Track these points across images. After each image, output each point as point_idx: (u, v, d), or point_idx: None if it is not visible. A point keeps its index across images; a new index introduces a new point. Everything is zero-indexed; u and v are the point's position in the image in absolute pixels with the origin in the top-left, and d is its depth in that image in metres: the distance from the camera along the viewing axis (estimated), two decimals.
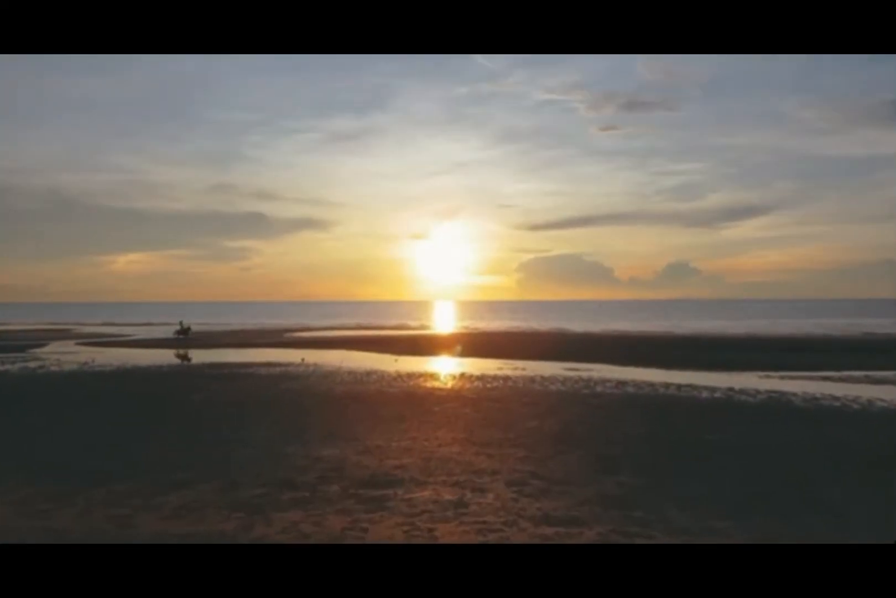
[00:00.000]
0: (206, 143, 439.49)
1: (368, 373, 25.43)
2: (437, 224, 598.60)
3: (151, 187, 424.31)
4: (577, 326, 70.49)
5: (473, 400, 17.98)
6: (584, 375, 24.66)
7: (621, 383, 21.68)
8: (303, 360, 31.56)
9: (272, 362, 30.08)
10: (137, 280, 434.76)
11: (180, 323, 50.13)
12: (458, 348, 38.04)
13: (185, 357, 33.99)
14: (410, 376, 24.51)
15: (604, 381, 22.56)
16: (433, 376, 24.47)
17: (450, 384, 21.94)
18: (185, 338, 45.86)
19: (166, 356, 34.14)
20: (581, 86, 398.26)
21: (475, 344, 40.69)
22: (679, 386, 20.96)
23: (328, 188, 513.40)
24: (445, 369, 27.71)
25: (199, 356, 33.54)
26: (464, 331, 60.56)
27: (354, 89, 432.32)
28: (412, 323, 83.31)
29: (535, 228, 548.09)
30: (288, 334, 55.52)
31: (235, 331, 60.38)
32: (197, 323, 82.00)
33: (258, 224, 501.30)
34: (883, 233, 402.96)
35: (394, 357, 33.27)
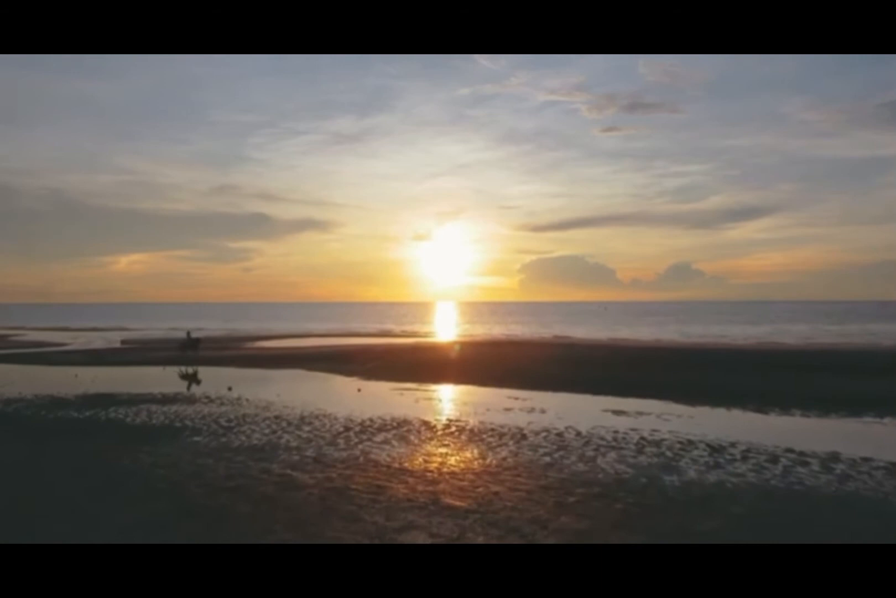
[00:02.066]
0: (209, 144, 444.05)
1: (300, 422, 16.18)
2: (440, 225, 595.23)
3: (154, 188, 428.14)
4: (590, 332, 61.23)
5: (461, 512, 8.83)
6: (644, 426, 15.47)
7: (721, 453, 12.52)
8: (229, 389, 22.52)
9: (175, 396, 20.87)
10: (139, 281, 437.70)
11: (187, 333, 41.03)
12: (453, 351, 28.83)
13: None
14: (364, 428, 15.27)
15: (686, 446, 13.38)
16: (398, 428, 15.25)
17: (421, 457, 12.68)
18: (193, 354, 34.88)
19: (64, 381, 24.88)
20: (583, 87, 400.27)
21: (472, 361, 31.51)
22: (829, 460, 11.83)
23: (331, 189, 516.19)
24: (423, 409, 18.49)
25: (87, 379, 24.33)
26: (460, 340, 51.30)
27: (357, 90, 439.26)
28: (404, 328, 74.12)
29: (538, 229, 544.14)
30: (249, 344, 46.35)
31: (173, 340, 50.98)
32: (156, 328, 72.64)
33: (260, 225, 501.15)
34: (885, 234, 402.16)
35: (358, 384, 24.11)
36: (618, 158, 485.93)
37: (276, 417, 16.86)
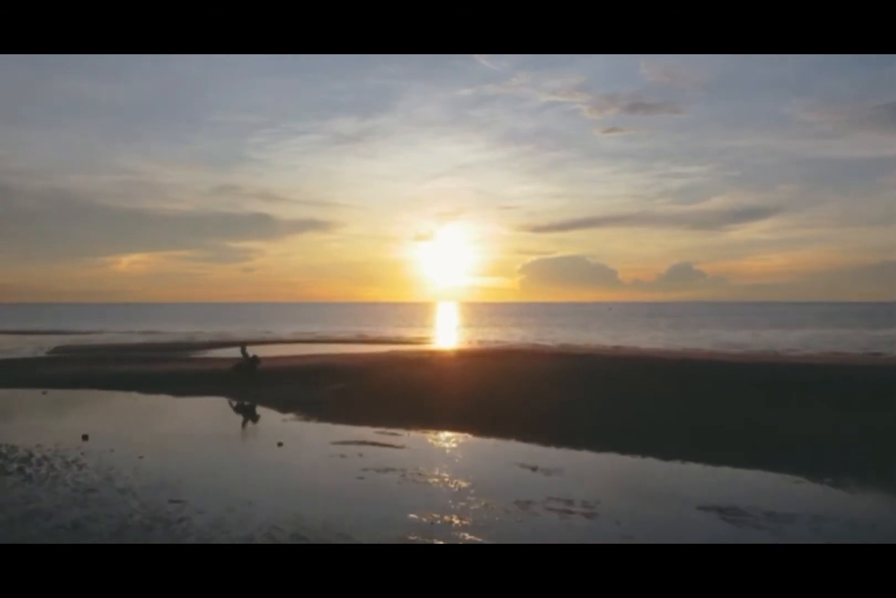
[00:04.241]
0: (210, 144, 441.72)
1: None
2: (441, 225, 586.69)
3: (156, 189, 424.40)
4: (601, 337, 52.95)
5: None
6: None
7: None
8: (84, 438, 14.58)
9: None
10: (141, 281, 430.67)
11: (242, 349, 26.68)
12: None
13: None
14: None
15: None
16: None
17: None
18: (249, 376, 24.29)
19: None
20: (584, 88, 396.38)
21: (464, 383, 23.15)
22: None
23: (332, 190, 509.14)
24: (352, 515, 10.26)
25: None
26: (454, 349, 43.06)
27: (358, 91, 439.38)
28: (395, 333, 65.86)
29: (539, 229, 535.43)
30: (195, 354, 38.09)
31: (116, 348, 42.57)
32: (118, 331, 64.45)
33: (262, 225, 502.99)
34: (886, 235, 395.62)
35: (290, 428, 15.90)
36: (619, 159, 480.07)
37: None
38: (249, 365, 25.00)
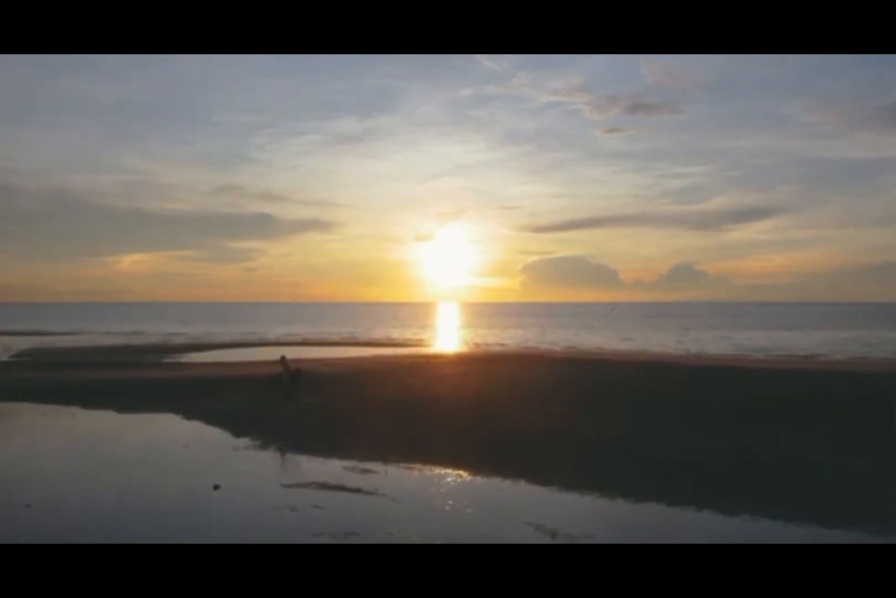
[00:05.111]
0: (211, 144, 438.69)
1: None
2: (441, 226, 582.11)
3: (157, 188, 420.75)
4: (609, 340, 49.59)
5: None
6: None
7: None
8: None
9: None
10: (142, 281, 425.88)
11: (281, 360, 20.81)
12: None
13: None
14: None
15: None
16: None
17: None
18: (293, 392, 19.49)
19: None
20: (585, 88, 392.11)
21: (459, 397, 19.69)
22: None
23: (333, 190, 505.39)
24: None
25: None
26: (450, 354, 39.70)
27: (358, 91, 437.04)
28: (389, 335, 62.57)
29: (540, 229, 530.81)
30: (162, 358, 34.68)
31: (84, 351, 38.91)
32: (97, 332, 61.22)
33: (263, 225, 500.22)
34: (887, 236, 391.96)
35: (241, 459, 12.48)
36: (619, 159, 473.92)
37: None
38: (291, 379, 20.10)
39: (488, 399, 18.80)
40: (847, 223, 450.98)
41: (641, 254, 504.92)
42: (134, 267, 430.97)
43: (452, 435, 14.25)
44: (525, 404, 17.83)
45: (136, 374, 26.07)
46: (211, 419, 16.54)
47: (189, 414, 17.35)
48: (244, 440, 14.27)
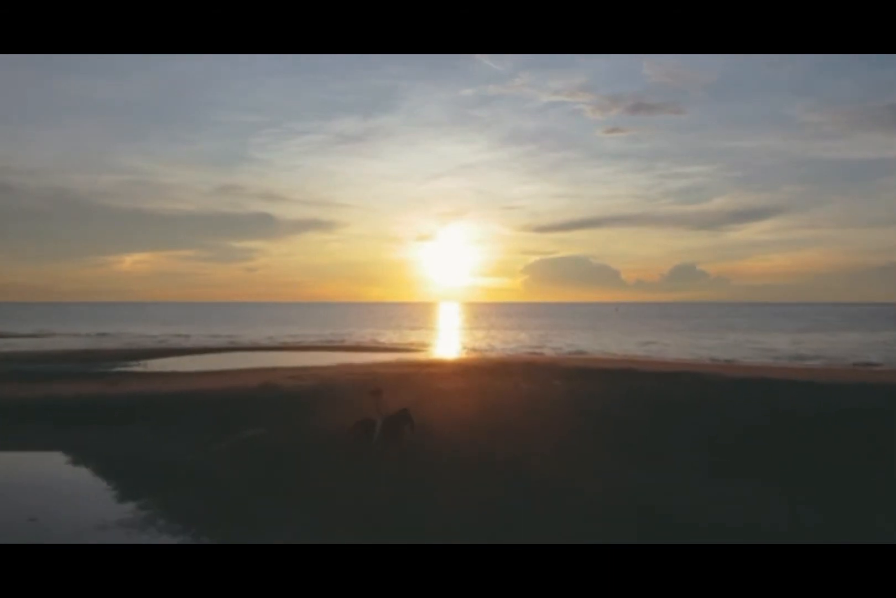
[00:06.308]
0: (212, 144, 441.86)
1: None
2: (443, 226, 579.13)
3: (158, 188, 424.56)
4: (621, 343, 44.83)
5: None
6: None
7: None
8: None
9: None
10: (143, 281, 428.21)
11: (374, 395, 12.46)
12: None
13: None
14: None
15: None
16: None
17: None
18: (391, 442, 11.80)
19: None
20: (587, 88, 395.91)
21: (450, 423, 14.63)
22: None
23: (334, 189, 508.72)
24: None
25: None
26: (447, 361, 34.93)
27: (360, 91, 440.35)
28: (382, 339, 57.85)
29: (541, 229, 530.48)
30: (109, 367, 29.72)
31: (29, 357, 33.65)
32: (90, 334, 56.59)
33: (264, 225, 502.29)
34: (889, 236, 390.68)
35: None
36: (621, 159, 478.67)
37: None
38: (388, 425, 12.02)
39: (494, 437, 13.90)
40: (848, 224, 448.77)
41: (643, 254, 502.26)
42: (135, 267, 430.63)
43: (453, 482, 9.38)
44: (548, 445, 12.84)
45: (60, 389, 21.17)
46: (105, 466, 11.65)
47: (82, 456, 12.48)
48: (128, 507, 9.44)
